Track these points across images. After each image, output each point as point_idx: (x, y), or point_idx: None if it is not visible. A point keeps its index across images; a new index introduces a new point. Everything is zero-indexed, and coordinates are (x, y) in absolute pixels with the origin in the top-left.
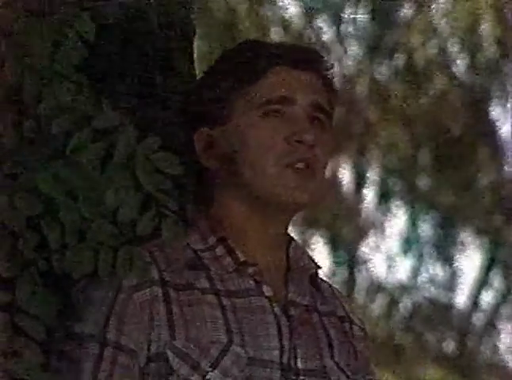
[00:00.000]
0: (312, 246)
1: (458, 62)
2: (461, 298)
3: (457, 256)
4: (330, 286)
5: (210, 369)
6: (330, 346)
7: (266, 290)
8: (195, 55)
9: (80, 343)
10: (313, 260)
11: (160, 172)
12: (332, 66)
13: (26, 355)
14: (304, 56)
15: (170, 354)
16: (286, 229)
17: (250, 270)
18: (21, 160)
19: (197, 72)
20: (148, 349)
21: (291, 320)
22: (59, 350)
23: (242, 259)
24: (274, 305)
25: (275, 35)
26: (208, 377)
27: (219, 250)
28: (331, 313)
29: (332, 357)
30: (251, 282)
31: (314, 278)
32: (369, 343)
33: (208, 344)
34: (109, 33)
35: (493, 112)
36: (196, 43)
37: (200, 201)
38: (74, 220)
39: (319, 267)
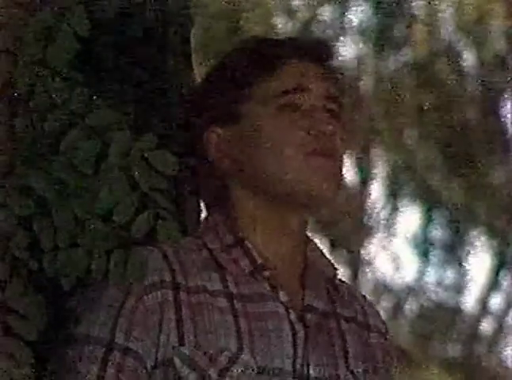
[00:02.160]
0: None
1: (465, 56)
2: (469, 301)
3: (466, 257)
4: (354, 289)
5: (218, 377)
6: (346, 353)
7: (282, 295)
8: (192, 47)
9: (85, 346)
10: (331, 263)
11: (156, 172)
12: (336, 56)
13: (17, 355)
14: (316, 49)
15: (177, 360)
16: (305, 229)
17: (267, 273)
18: (12, 158)
19: (194, 64)
20: (156, 354)
21: (307, 326)
22: (60, 351)
23: (259, 261)
24: (290, 311)
25: (280, 25)
26: None
27: (236, 251)
28: (351, 319)
29: (347, 366)
30: (267, 286)
31: (331, 280)
32: (390, 348)
33: (216, 352)
34: (104, 27)
35: (503, 108)
36: (193, 35)
37: (214, 200)
38: (67, 220)
39: (336, 270)
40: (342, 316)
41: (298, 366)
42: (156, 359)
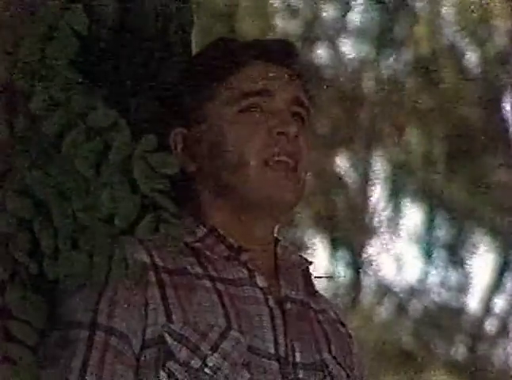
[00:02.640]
0: (316, 247)
1: (468, 55)
2: (473, 302)
3: (469, 257)
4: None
5: (210, 352)
6: (328, 341)
7: (260, 280)
8: (193, 48)
9: (69, 330)
10: (303, 257)
11: (157, 173)
12: (304, 61)
13: (18, 360)
14: (280, 50)
15: (168, 337)
16: (273, 231)
17: (244, 256)
18: (12, 159)
19: None
20: (143, 334)
21: (286, 314)
22: (46, 339)
23: (235, 245)
24: (268, 297)
25: (278, 25)
26: (208, 360)
27: (210, 240)
28: (324, 312)
29: (330, 352)
30: (244, 270)
31: (306, 273)
32: (360, 350)
33: (206, 328)
34: (104, 26)
35: (506, 107)
36: (194, 35)
37: (183, 199)
38: (68, 223)
39: (310, 263)
40: (317, 309)
41: (282, 351)
42: (144, 337)
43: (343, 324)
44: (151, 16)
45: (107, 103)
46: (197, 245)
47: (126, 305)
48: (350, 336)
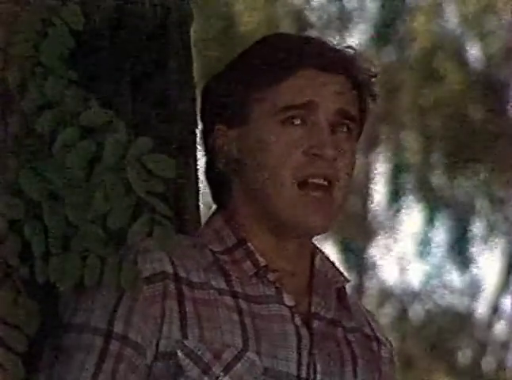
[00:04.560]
0: None
1: (470, 49)
2: (479, 305)
3: (475, 259)
4: (357, 302)
5: (222, 373)
6: (354, 364)
7: (287, 299)
8: (192, 44)
9: (83, 334)
10: (341, 273)
11: (153, 175)
12: (370, 70)
13: (6, 367)
14: (335, 58)
15: (180, 354)
16: (308, 245)
17: (271, 276)
18: (3, 158)
19: (194, 61)
20: (157, 346)
21: (312, 332)
22: (55, 341)
23: (263, 263)
24: (295, 315)
25: (273, 17)
26: None
27: (238, 253)
28: (357, 330)
29: (355, 376)
30: (272, 289)
31: (341, 292)
32: (394, 366)
33: (221, 347)
34: (100, 23)
35: (510, 102)
36: (192, 29)
37: (219, 200)
38: (59, 225)
39: (348, 281)
40: (349, 327)
41: (304, 372)
42: (157, 350)
43: (379, 341)
44: (150, 12)
45: (102, 102)
46: (224, 257)
47: (144, 315)
48: (390, 353)
